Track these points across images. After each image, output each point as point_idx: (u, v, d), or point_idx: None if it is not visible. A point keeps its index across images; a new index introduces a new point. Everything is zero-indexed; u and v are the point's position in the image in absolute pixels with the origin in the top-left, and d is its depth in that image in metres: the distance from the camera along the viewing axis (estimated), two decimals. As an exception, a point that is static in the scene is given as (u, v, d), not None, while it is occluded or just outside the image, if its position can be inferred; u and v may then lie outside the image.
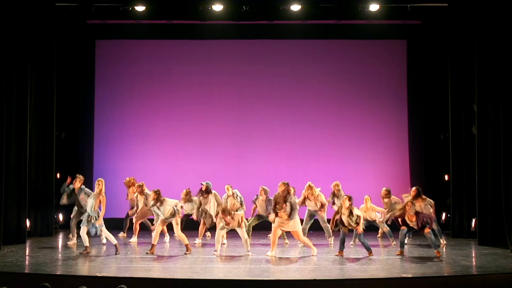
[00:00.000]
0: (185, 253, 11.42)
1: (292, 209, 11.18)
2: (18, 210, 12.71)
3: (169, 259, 10.99)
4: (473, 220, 13.27)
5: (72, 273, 9.56)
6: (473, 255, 11.51)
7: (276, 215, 11.25)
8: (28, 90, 12.94)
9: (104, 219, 11.75)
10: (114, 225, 13.72)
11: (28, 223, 13.18)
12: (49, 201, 14.05)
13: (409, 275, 9.46)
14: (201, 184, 13.07)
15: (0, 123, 12.04)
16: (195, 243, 12.65)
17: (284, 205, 11.17)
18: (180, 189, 13.84)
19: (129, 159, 15.62)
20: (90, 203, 11.59)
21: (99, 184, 11.74)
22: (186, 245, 11.56)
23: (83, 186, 12.86)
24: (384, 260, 10.85)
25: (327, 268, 10.21)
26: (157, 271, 9.94)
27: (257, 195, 12.81)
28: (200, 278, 9.36)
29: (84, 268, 9.92)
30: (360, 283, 9.22)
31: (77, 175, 12.99)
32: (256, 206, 12.81)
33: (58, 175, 14.84)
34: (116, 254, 11.28)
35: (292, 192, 11.67)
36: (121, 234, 13.50)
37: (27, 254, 11.55)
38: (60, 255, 11.51)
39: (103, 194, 11.71)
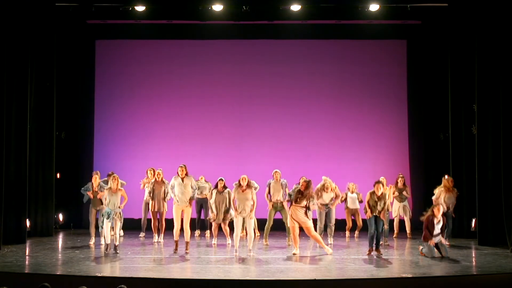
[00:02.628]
0: (186, 252, 11.43)
1: (309, 208, 11.49)
2: (18, 210, 12.71)
3: (169, 259, 10.98)
4: (473, 220, 13.27)
5: (72, 273, 9.55)
6: (473, 255, 11.50)
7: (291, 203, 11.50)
8: (28, 90, 12.94)
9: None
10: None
11: (28, 223, 13.17)
12: (49, 201, 14.05)
13: (409, 275, 9.46)
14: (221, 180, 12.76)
15: (0, 123, 12.04)
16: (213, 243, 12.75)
17: (306, 199, 11.39)
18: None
19: (129, 159, 15.62)
20: (112, 201, 11.48)
21: (114, 180, 11.58)
22: (187, 243, 11.54)
23: (101, 184, 12.83)
24: (384, 260, 10.85)
25: (327, 268, 10.21)
26: (157, 271, 9.94)
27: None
28: (200, 278, 9.37)
29: (84, 268, 9.91)
30: (360, 283, 9.22)
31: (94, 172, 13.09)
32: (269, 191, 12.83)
33: (58, 175, 14.86)
34: (115, 253, 11.28)
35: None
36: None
37: (27, 254, 11.55)
38: (60, 255, 11.51)
39: (120, 188, 11.66)
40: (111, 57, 15.97)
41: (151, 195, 13.10)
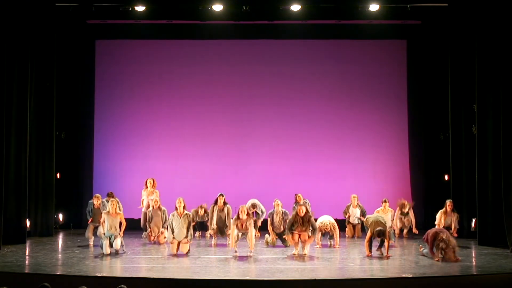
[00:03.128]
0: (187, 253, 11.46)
1: (314, 229, 11.22)
2: (18, 210, 12.71)
3: (169, 259, 10.98)
4: (473, 220, 13.26)
5: (72, 273, 9.55)
6: (473, 255, 11.50)
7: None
8: (28, 90, 12.93)
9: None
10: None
11: (28, 223, 13.17)
12: (49, 201, 14.04)
13: (409, 275, 9.46)
14: (222, 195, 12.74)
15: (0, 123, 12.04)
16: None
17: (306, 227, 11.12)
18: (180, 189, 13.88)
19: (129, 159, 15.62)
20: (111, 225, 11.38)
21: (113, 204, 11.54)
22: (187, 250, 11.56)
23: (104, 203, 12.80)
24: (384, 260, 10.85)
25: (327, 268, 10.21)
26: (157, 271, 9.94)
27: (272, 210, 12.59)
28: (200, 278, 9.37)
29: (84, 268, 9.91)
30: (360, 283, 9.22)
31: (95, 195, 13.00)
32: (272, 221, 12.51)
33: (58, 175, 14.86)
34: (116, 253, 11.29)
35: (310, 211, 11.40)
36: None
37: (27, 254, 11.55)
38: (60, 255, 11.51)
39: (119, 211, 11.62)
40: (111, 57, 15.96)
41: (149, 223, 12.85)
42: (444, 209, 12.41)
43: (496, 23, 12.26)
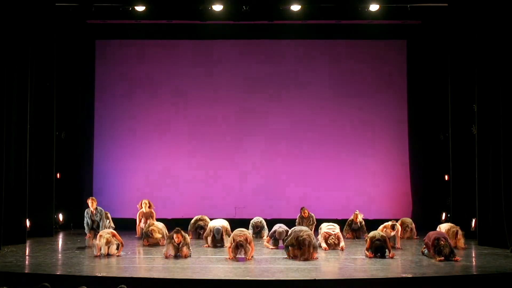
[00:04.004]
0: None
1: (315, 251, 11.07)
2: (18, 210, 12.71)
3: (169, 259, 10.97)
4: (473, 220, 13.26)
5: (72, 273, 9.57)
6: (473, 255, 11.51)
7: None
8: (28, 90, 12.94)
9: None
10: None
11: (28, 223, 13.17)
12: (49, 201, 14.03)
13: (409, 275, 9.47)
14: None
15: (0, 123, 12.05)
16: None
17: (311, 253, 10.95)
18: (181, 189, 13.88)
19: (129, 159, 15.60)
20: (104, 240, 11.23)
21: (108, 239, 11.21)
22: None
23: (99, 208, 12.73)
24: (384, 260, 10.86)
25: (327, 268, 10.21)
26: (157, 271, 9.94)
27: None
28: (200, 278, 9.38)
29: (84, 268, 9.92)
30: (360, 283, 9.23)
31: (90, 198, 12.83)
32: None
33: (58, 175, 14.85)
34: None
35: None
36: None
37: (27, 254, 11.56)
38: (60, 255, 11.52)
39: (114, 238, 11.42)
40: (111, 57, 15.94)
41: (148, 235, 12.63)
42: (455, 237, 12.04)
43: (496, 23, 12.27)
